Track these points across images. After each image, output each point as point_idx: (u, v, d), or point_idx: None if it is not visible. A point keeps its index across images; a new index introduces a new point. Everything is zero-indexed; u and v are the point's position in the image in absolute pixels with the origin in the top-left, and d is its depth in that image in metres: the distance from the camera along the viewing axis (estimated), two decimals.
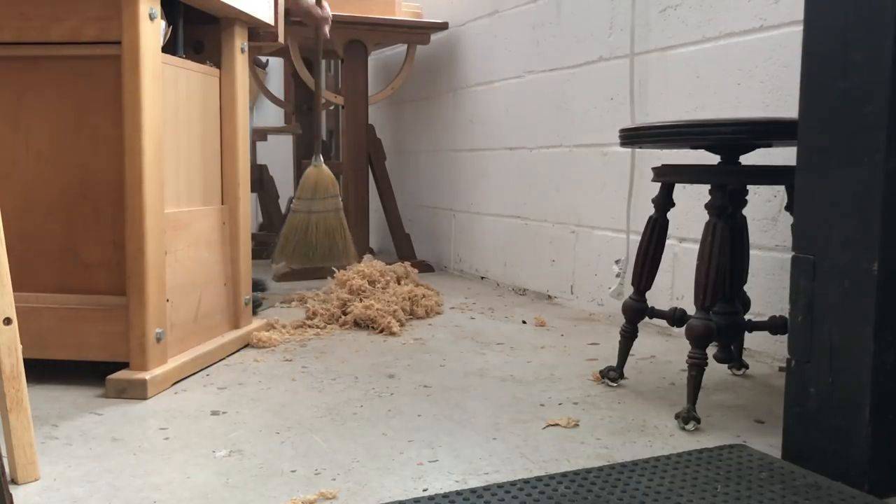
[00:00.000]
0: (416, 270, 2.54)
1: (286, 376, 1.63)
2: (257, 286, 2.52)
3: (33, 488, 1.07)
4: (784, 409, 1.16)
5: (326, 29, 2.62)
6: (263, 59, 4.53)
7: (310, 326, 2.10)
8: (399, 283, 2.36)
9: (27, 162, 1.55)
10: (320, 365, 1.73)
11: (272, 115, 5.04)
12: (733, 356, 1.62)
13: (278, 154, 4.65)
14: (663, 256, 1.56)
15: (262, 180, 3.78)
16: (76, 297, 1.54)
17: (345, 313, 2.17)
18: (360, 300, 2.19)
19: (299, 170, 3.62)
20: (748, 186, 1.56)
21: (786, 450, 1.16)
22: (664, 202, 1.53)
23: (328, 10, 2.63)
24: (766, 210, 1.81)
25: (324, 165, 2.65)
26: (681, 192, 1.93)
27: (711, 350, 1.43)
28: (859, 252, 1.04)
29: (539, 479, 1.07)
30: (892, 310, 1.03)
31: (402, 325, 2.11)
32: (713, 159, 1.49)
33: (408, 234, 3.28)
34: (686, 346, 1.39)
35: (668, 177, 1.50)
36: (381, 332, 2.06)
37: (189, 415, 1.38)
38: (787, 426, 1.16)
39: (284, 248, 2.57)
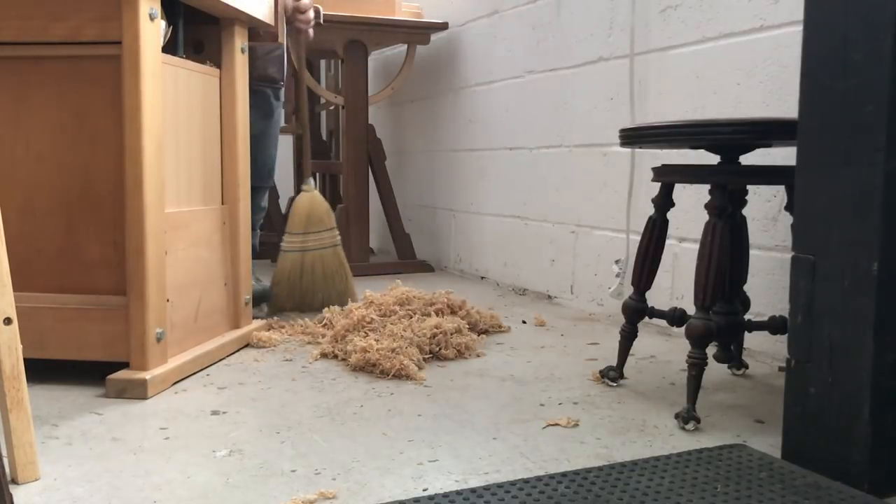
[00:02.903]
0: (474, 306, 2.07)
1: (286, 376, 1.63)
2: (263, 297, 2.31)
3: (33, 488, 1.07)
4: (784, 409, 1.16)
5: (308, 31, 2.29)
6: None
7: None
8: (440, 316, 1.90)
9: (27, 162, 1.55)
10: (320, 365, 1.73)
11: None
12: (733, 356, 1.62)
13: (279, 154, 4.64)
14: (663, 256, 1.56)
15: None
16: (76, 297, 1.54)
17: (343, 348, 1.76)
18: (365, 334, 1.78)
19: (300, 169, 3.61)
20: (748, 186, 1.56)
21: (786, 450, 1.16)
22: (664, 202, 1.53)
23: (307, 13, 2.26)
24: (766, 210, 1.81)
25: (316, 192, 2.33)
26: (681, 192, 1.93)
27: (711, 350, 1.43)
28: (859, 252, 1.04)
29: (539, 478, 1.07)
30: (892, 310, 1.03)
31: (420, 367, 1.68)
32: (713, 159, 1.49)
33: (408, 234, 3.28)
34: (686, 345, 1.39)
35: (668, 177, 1.50)
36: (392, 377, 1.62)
37: (189, 415, 1.38)
38: (787, 426, 1.16)
39: (277, 297, 2.24)
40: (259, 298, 2.24)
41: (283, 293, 2.24)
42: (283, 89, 2.34)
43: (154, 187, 1.51)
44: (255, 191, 2.34)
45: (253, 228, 2.33)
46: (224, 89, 1.84)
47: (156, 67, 1.50)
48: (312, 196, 2.32)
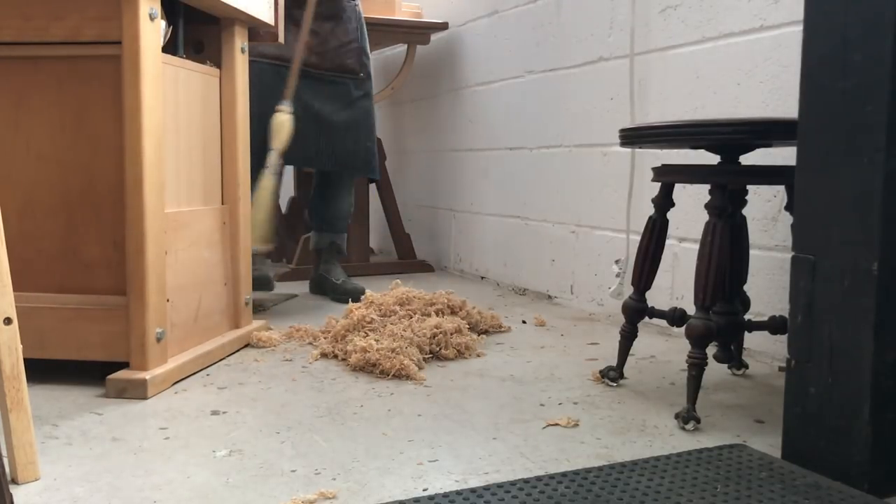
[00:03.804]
0: (474, 306, 2.05)
1: (286, 376, 1.63)
2: (262, 283, 2.40)
3: (33, 488, 1.07)
4: (784, 409, 1.16)
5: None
6: None
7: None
8: (440, 316, 1.88)
9: (27, 162, 1.55)
10: (320, 365, 1.73)
11: None
12: (733, 356, 1.62)
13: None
14: (663, 256, 1.56)
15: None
16: (76, 297, 1.54)
17: (343, 348, 1.76)
18: (366, 334, 1.77)
19: (299, 170, 3.62)
20: (748, 186, 1.56)
21: (786, 450, 1.16)
22: (664, 202, 1.53)
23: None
24: (766, 210, 1.81)
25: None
26: (681, 192, 1.93)
27: (711, 350, 1.43)
28: (859, 252, 1.04)
29: (539, 478, 1.07)
30: (892, 310, 1.03)
31: (420, 367, 1.67)
32: (713, 159, 1.49)
33: (408, 234, 3.28)
34: (686, 345, 1.39)
35: (668, 177, 1.50)
36: (392, 377, 1.61)
37: (189, 415, 1.38)
38: (787, 426, 1.16)
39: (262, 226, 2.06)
40: (259, 284, 2.25)
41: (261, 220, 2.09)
42: (368, 81, 2.33)
43: (154, 187, 1.51)
44: (340, 185, 2.29)
45: (339, 231, 2.32)
46: (224, 89, 1.84)
47: (156, 67, 1.50)
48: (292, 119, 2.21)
